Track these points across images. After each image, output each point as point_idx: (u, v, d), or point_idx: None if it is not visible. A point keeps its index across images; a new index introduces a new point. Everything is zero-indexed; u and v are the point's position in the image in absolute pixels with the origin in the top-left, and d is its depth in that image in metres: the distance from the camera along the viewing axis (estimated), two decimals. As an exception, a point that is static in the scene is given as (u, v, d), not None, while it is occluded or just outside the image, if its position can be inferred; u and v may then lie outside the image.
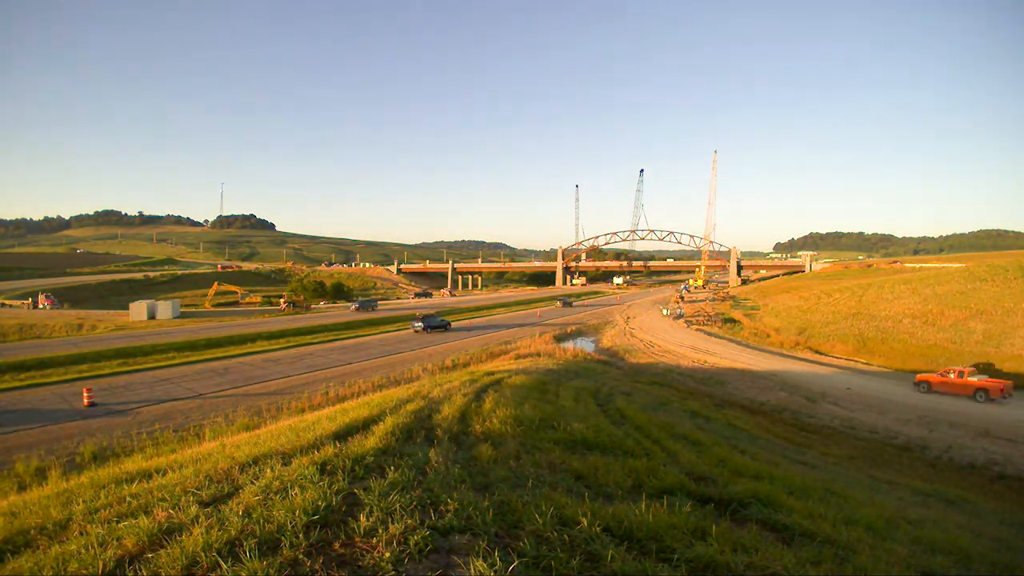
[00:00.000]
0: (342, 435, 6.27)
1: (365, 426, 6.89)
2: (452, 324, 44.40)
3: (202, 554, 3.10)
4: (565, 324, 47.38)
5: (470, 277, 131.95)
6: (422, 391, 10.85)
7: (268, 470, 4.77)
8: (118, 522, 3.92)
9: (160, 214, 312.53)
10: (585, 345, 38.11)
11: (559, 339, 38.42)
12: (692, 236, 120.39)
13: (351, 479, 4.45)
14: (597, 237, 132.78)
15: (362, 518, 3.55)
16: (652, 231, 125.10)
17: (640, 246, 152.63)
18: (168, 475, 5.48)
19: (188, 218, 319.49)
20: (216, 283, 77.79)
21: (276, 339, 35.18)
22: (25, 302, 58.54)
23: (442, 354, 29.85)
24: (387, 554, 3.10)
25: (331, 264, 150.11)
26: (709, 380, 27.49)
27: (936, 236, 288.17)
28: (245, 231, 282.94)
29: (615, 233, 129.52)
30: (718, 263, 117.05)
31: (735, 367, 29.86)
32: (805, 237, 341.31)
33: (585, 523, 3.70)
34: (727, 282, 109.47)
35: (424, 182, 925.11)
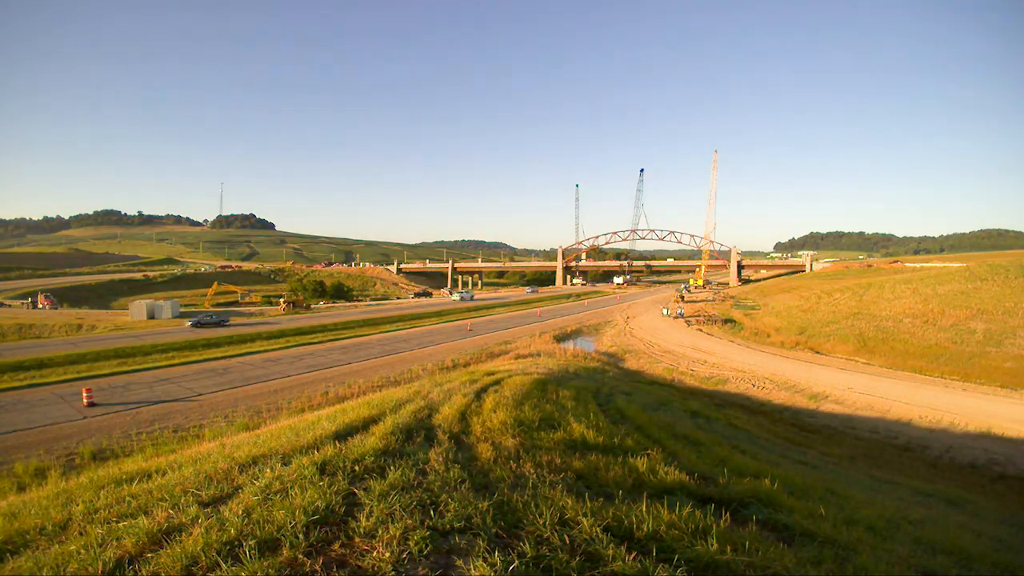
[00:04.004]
0: (342, 435, 6.26)
1: (365, 426, 6.88)
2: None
3: (202, 554, 3.10)
4: (565, 324, 47.37)
5: (469, 277, 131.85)
6: (422, 391, 10.84)
7: (268, 470, 4.76)
8: (118, 522, 3.92)
9: (160, 214, 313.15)
10: (585, 345, 38.10)
11: (559, 339, 38.41)
12: (692, 236, 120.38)
13: (351, 479, 4.44)
14: (597, 237, 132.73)
15: (362, 518, 3.54)
16: (652, 231, 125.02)
17: (640, 246, 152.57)
18: (168, 475, 5.47)
19: (188, 218, 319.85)
20: (216, 283, 77.94)
21: (275, 339, 35.19)
22: (24, 302, 58.54)
23: (442, 354, 29.84)
24: (387, 555, 3.09)
25: (330, 264, 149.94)
26: (709, 380, 27.47)
27: (937, 236, 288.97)
28: (245, 231, 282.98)
29: (615, 233, 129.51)
30: (718, 263, 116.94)
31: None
32: (806, 237, 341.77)
33: (585, 523, 3.69)
34: (727, 282, 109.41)
35: (424, 182, 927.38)
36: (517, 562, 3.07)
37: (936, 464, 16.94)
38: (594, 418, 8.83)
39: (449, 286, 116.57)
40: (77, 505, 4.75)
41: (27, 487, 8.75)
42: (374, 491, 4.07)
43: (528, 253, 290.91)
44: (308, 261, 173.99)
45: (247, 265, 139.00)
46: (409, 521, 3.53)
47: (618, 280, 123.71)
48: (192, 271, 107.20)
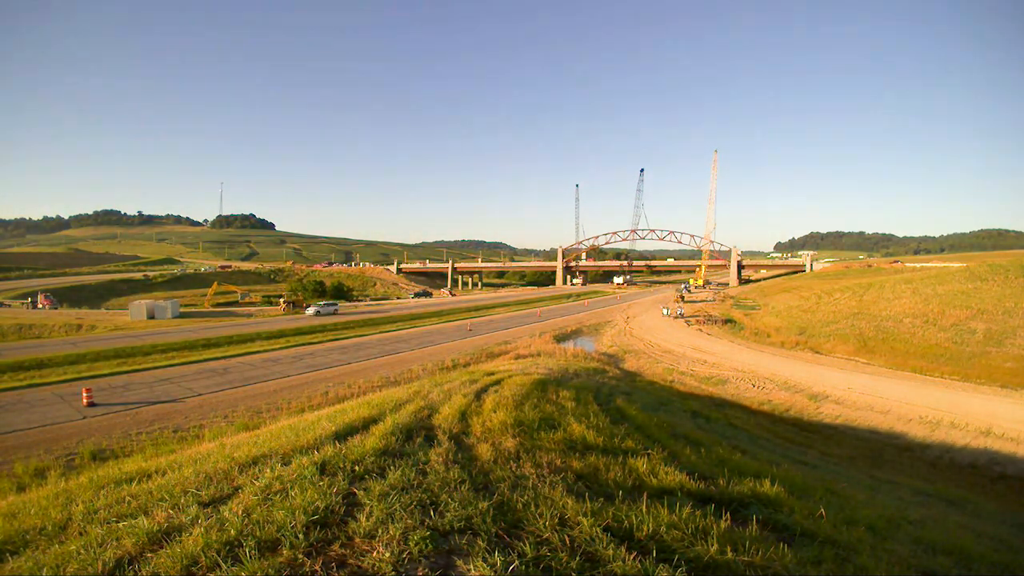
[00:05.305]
0: (342, 435, 6.26)
1: (365, 426, 6.87)
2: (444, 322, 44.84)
3: (202, 554, 3.10)
4: (565, 324, 47.38)
5: (469, 277, 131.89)
6: (422, 391, 10.83)
7: (268, 470, 4.76)
8: (118, 523, 3.92)
9: (160, 214, 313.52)
10: (585, 345, 38.09)
11: (559, 339, 38.40)
12: (692, 236, 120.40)
13: (351, 479, 4.44)
14: (597, 237, 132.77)
15: (362, 519, 3.54)
16: (652, 231, 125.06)
17: (641, 246, 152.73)
18: (167, 475, 5.47)
19: (188, 218, 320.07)
20: (216, 283, 78.03)
21: (275, 339, 35.18)
22: (24, 302, 58.55)
23: (442, 354, 29.84)
24: (387, 555, 3.09)
25: (330, 264, 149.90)
26: (709, 380, 27.47)
27: (937, 236, 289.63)
28: (245, 231, 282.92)
29: (615, 233, 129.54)
30: (719, 262, 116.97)
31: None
32: (806, 236, 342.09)
33: (585, 524, 3.69)
34: (727, 282, 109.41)
35: (424, 182, 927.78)
36: (517, 562, 3.07)
37: (936, 464, 16.94)
38: (594, 418, 8.82)
39: (449, 286, 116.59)
40: (77, 505, 4.75)
41: (27, 487, 8.75)
42: (374, 491, 4.07)
43: (528, 253, 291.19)
44: (308, 261, 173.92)
45: (246, 265, 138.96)
46: (409, 521, 3.52)
47: (618, 280, 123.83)
48: (192, 271, 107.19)
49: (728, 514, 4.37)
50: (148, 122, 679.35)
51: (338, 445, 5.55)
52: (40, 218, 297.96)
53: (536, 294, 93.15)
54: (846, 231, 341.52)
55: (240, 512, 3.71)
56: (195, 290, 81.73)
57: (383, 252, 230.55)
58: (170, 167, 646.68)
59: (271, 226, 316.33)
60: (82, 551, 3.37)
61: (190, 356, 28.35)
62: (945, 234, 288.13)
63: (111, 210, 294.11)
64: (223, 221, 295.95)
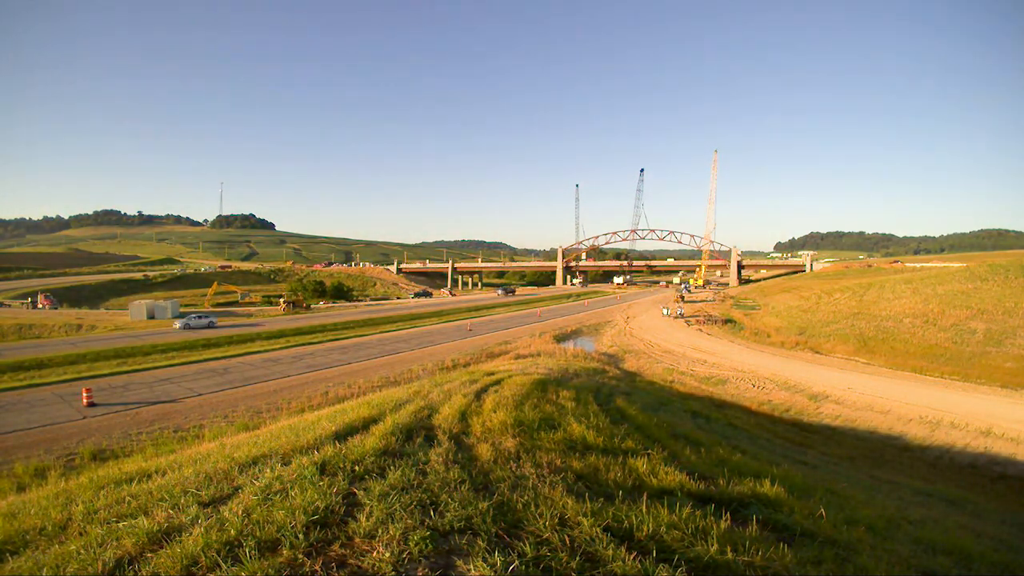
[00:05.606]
0: (342, 435, 6.26)
1: (365, 426, 6.87)
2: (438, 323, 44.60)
3: (202, 554, 3.10)
4: (565, 324, 47.37)
5: (469, 277, 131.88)
6: (422, 391, 10.82)
7: (268, 470, 4.76)
8: (117, 523, 3.92)
9: (159, 214, 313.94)
10: (585, 345, 38.09)
11: (559, 339, 38.40)
12: (692, 236, 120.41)
13: (351, 479, 4.44)
14: (597, 237, 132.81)
15: (362, 519, 3.54)
16: (652, 231, 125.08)
17: (641, 246, 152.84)
18: (168, 476, 5.47)
19: (188, 218, 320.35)
20: (216, 283, 78.06)
21: (275, 339, 35.17)
22: (24, 302, 58.54)
23: (442, 354, 29.84)
24: (387, 555, 3.09)
25: (330, 264, 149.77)
26: (709, 380, 27.47)
27: (937, 236, 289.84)
28: (244, 231, 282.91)
29: (615, 232, 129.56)
30: (719, 262, 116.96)
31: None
32: (806, 236, 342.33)
33: (585, 524, 3.69)
34: (727, 282, 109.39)
35: (424, 182, 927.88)
36: (517, 562, 3.07)
37: (936, 464, 16.94)
38: (594, 418, 8.81)
39: (449, 286, 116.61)
40: (77, 505, 4.74)
41: (27, 487, 8.75)
42: (374, 491, 4.07)
43: (528, 253, 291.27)
44: (308, 261, 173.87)
45: (246, 265, 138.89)
46: (409, 521, 3.52)
47: (618, 280, 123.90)
48: (192, 271, 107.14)
49: (728, 514, 4.37)
50: (148, 122, 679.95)
51: (338, 445, 5.55)
52: (40, 218, 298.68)
53: (536, 294, 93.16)
54: (846, 231, 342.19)
55: (240, 512, 3.71)
56: (195, 290, 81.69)
57: (383, 252, 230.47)
58: (170, 167, 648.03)
59: (271, 226, 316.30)
60: (82, 551, 3.37)
61: (190, 356, 28.36)
62: (945, 234, 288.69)
63: (111, 210, 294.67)
64: (223, 221, 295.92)
